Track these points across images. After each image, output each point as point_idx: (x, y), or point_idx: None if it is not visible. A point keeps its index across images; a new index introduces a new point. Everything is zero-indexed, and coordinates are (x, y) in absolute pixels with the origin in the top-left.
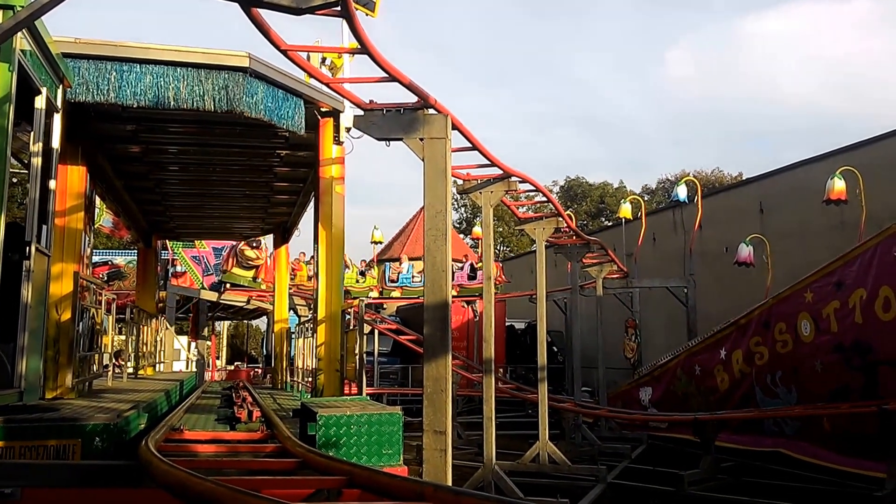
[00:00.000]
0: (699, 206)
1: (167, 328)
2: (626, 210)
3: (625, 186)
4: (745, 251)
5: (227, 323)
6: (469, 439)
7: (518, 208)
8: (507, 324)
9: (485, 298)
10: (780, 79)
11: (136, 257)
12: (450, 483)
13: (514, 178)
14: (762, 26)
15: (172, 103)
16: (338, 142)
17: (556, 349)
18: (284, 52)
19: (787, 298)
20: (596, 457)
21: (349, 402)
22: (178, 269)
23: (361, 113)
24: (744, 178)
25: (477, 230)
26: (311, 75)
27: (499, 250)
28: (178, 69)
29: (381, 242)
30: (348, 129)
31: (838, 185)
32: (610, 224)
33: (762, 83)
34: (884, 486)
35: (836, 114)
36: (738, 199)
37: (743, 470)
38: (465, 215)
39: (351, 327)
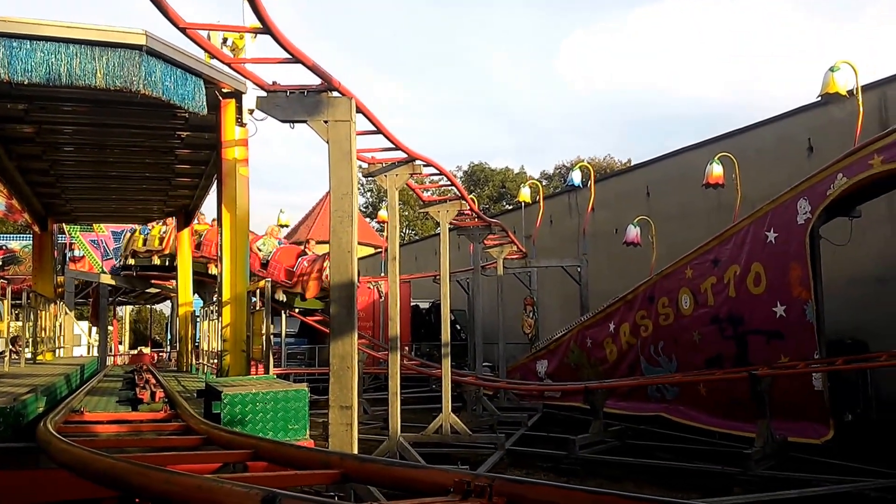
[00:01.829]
0: (592, 191)
1: (66, 313)
2: (524, 194)
3: (525, 172)
4: (633, 232)
5: (129, 308)
6: (375, 415)
7: (423, 192)
8: (412, 304)
9: (389, 279)
10: (670, 71)
11: (31, 242)
12: None
13: (418, 162)
14: (656, 19)
15: (66, 80)
16: (241, 123)
17: (458, 327)
18: (183, 31)
19: (669, 275)
20: (495, 426)
21: (255, 381)
22: (77, 253)
23: (264, 94)
24: (632, 164)
25: (383, 214)
26: (211, 55)
27: (405, 233)
28: (71, 46)
29: (287, 226)
30: (251, 111)
31: (716, 171)
32: (510, 207)
33: (653, 75)
34: (753, 444)
35: (720, 104)
36: (627, 184)
37: (628, 433)
38: (371, 199)
39: (257, 308)
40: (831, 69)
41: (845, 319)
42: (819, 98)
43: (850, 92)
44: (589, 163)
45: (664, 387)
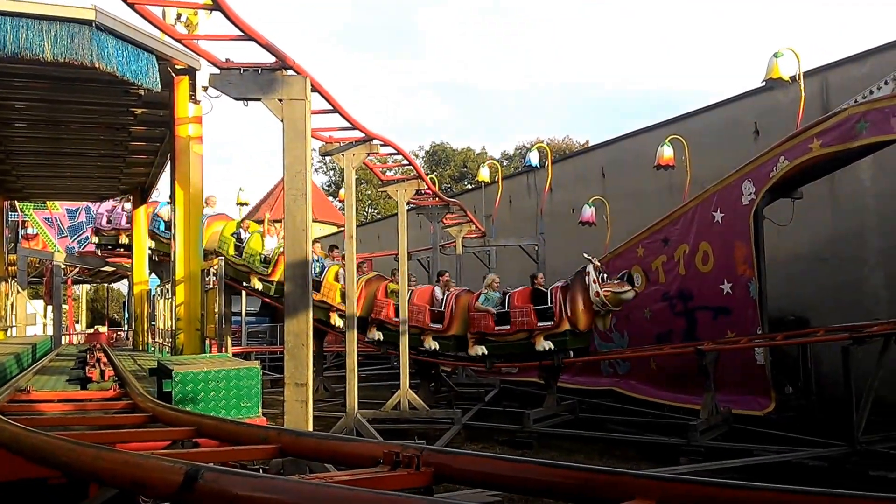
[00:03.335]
0: (549, 171)
1: (18, 292)
2: (483, 175)
3: (486, 152)
4: (588, 211)
5: (86, 286)
6: (336, 392)
7: (384, 171)
8: None
9: (346, 258)
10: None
11: None
12: None
13: (375, 142)
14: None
15: (11, 49)
16: (194, 100)
17: None
18: (132, 6)
19: (622, 254)
20: (453, 402)
21: (207, 360)
22: (30, 231)
23: (217, 72)
24: (589, 146)
25: (343, 193)
26: (162, 31)
27: (367, 212)
28: (20, 20)
29: (246, 204)
30: (205, 88)
31: (667, 153)
32: (471, 187)
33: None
34: (699, 416)
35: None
36: (583, 165)
37: (582, 407)
38: (334, 178)
39: (212, 286)
40: (775, 55)
41: (787, 297)
42: (764, 83)
43: (793, 78)
44: (548, 144)
45: (616, 362)
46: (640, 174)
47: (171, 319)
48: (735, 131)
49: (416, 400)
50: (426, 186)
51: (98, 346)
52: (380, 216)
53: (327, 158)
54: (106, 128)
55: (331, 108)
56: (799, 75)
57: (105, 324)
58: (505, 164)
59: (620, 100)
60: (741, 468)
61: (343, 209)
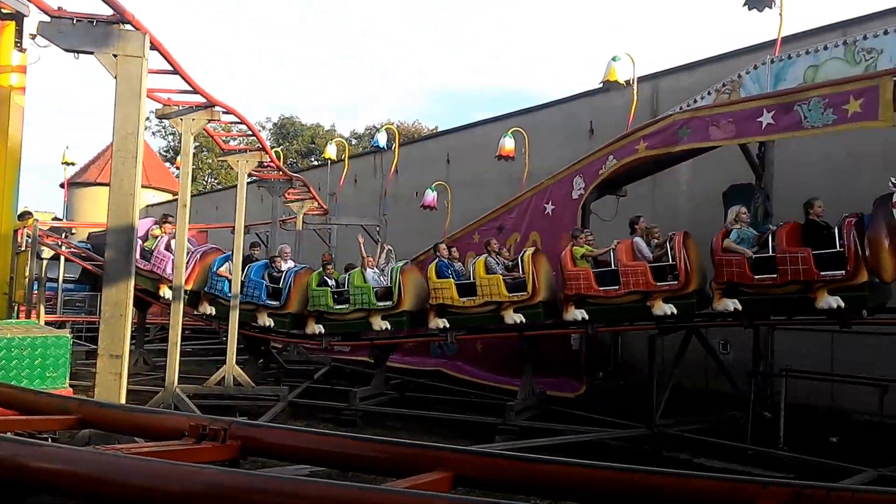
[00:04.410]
0: (396, 153)
1: None
2: (330, 152)
3: (335, 130)
4: (431, 196)
5: None
6: (157, 366)
7: (228, 140)
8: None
9: (178, 227)
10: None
11: None
12: None
13: (218, 109)
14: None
15: None
16: (20, 48)
17: None
18: None
19: (459, 239)
20: (281, 379)
21: (12, 326)
22: None
23: (48, 20)
24: (437, 132)
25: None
26: None
27: (206, 182)
28: None
29: (72, 164)
30: (33, 37)
31: (508, 144)
32: (317, 164)
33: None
34: (516, 396)
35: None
36: (430, 150)
37: (409, 386)
38: (172, 143)
39: (24, 248)
40: (613, 59)
41: None
42: (601, 85)
43: (628, 82)
44: (398, 127)
45: (445, 343)
46: (482, 163)
47: None
48: (572, 128)
49: (242, 376)
50: (269, 159)
51: None
52: (220, 186)
53: (167, 122)
54: None
55: (171, 69)
56: (633, 80)
57: None
58: (354, 143)
59: (474, 92)
60: (550, 446)
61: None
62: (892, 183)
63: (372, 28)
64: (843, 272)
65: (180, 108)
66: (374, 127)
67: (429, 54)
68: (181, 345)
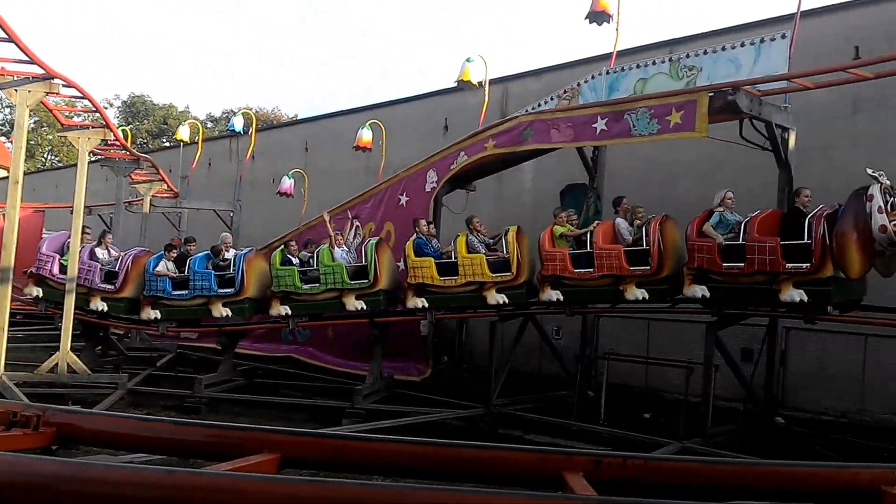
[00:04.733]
0: (253, 138)
1: None
2: (182, 134)
3: (189, 111)
4: (287, 183)
5: None
6: None
7: (71, 116)
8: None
9: (8, 205)
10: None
11: None
12: None
13: (57, 81)
14: None
15: None
16: None
17: None
18: None
19: (314, 227)
20: (120, 366)
21: None
22: None
23: None
24: (297, 119)
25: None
26: None
27: (45, 159)
28: None
29: None
30: None
31: (366, 136)
32: (169, 145)
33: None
34: (365, 381)
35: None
36: (288, 137)
37: (258, 372)
38: (9, 117)
39: None
40: (468, 60)
41: None
42: (456, 84)
43: (480, 83)
44: (256, 112)
45: (297, 330)
46: (339, 153)
47: None
48: (428, 124)
49: (77, 363)
50: (114, 137)
51: None
52: (61, 164)
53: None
54: None
55: (5, 36)
56: (485, 81)
57: None
58: (210, 126)
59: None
60: (393, 428)
61: None
62: (870, 173)
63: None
64: (809, 265)
65: (15, 78)
66: (232, 111)
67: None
68: (8, 330)
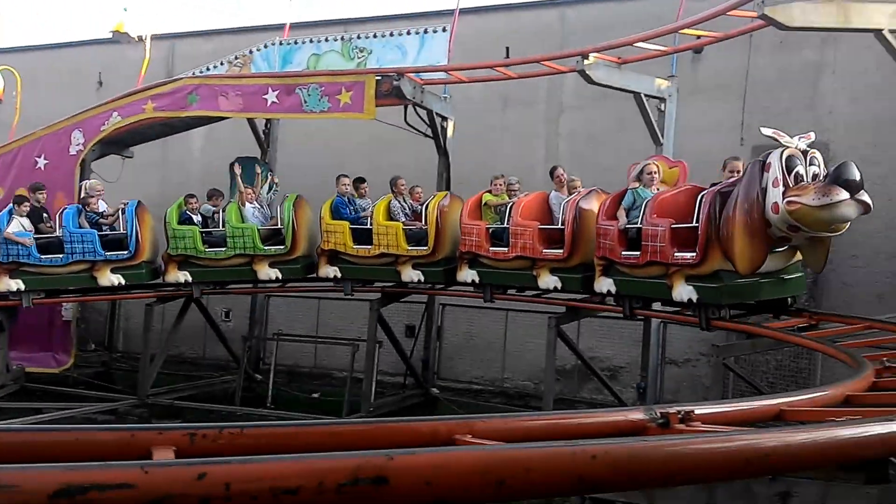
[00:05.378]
0: None
1: None
2: None
3: None
4: None
5: None
6: None
7: None
8: None
9: None
10: None
11: None
12: None
13: None
14: None
15: None
16: None
17: None
18: None
19: None
20: None
21: None
22: None
23: None
24: None
25: None
26: None
27: None
28: None
29: None
30: None
31: None
32: None
33: None
34: None
35: None
36: None
37: None
38: None
39: None
40: (124, 10)
41: None
42: (111, 35)
43: (141, 37)
44: None
45: None
46: None
47: None
48: (79, 77)
49: None
50: None
51: None
52: None
53: None
54: None
55: None
56: (147, 36)
57: None
58: None
59: None
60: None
61: None
62: (768, 133)
63: None
64: (693, 255)
65: None
66: None
67: None
68: None
